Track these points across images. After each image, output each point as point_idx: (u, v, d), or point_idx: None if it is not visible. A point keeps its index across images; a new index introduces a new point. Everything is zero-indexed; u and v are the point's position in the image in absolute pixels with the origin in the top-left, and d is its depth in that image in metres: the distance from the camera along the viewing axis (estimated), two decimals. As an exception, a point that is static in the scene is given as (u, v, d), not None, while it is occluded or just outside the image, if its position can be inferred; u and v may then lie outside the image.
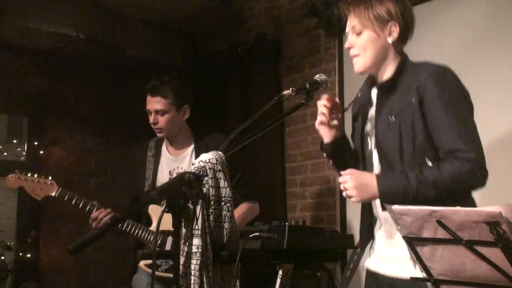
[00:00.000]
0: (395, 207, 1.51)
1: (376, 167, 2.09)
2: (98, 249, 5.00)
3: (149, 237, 2.99)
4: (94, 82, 5.35)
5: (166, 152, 3.20)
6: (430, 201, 1.81)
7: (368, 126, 2.15)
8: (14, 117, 5.16)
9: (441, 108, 1.95)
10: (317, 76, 2.13)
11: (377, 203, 2.08)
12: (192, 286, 1.65)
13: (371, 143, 2.12)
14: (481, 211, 1.37)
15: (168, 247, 2.92)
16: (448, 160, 1.92)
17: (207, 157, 1.76)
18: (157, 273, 2.91)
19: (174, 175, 3.10)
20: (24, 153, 5.05)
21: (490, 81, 3.32)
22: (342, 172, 2.00)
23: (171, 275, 1.69)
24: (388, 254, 2.05)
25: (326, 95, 2.13)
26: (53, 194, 3.02)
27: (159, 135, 3.16)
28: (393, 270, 2.01)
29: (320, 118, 2.11)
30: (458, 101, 2.00)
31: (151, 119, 3.10)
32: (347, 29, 2.14)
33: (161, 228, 2.91)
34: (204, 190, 1.71)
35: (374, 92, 2.18)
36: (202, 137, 3.18)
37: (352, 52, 2.11)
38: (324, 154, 2.21)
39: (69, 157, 5.19)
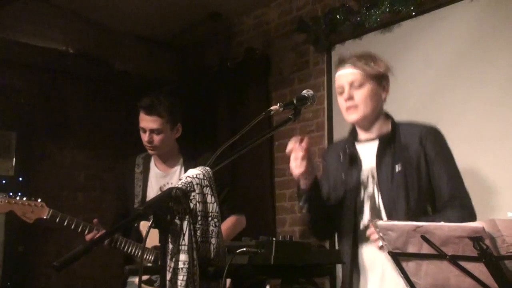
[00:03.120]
0: (380, 222, 1.53)
1: (367, 216, 2.19)
2: (86, 265, 4.96)
3: (139, 253, 2.97)
4: (83, 96, 5.35)
5: (155, 168, 3.19)
6: None
7: (363, 177, 2.24)
8: (3, 131, 5.13)
9: (442, 163, 2.17)
10: (304, 91, 2.15)
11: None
12: (179, 302, 1.64)
13: (364, 193, 2.22)
14: (464, 226, 1.39)
15: None
16: (449, 207, 2.12)
17: (194, 172, 1.76)
18: None
19: None
20: (12, 167, 5.01)
21: (477, 95, 3.36)
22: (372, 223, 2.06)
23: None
24: None
25: (294, 138, 2.18)
26: (44, 217, 2.99)
27: (151, 152, 3.14)
28: None
29: (300, 169, 2.14)
30: (453, 159, 2.24)
31: (146, 137, 3.07)
32: (342, 81, 2.26)
33: (151, 244, 2.89)
34: (191, 205, 1.71)
35: (359, 147, 2.30)
36: (193, 156, 3.16)
37: (351, 103, 2.22)
38: (301, 202, 2.26)
39: (58, 172, 5.16)
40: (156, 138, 3.07)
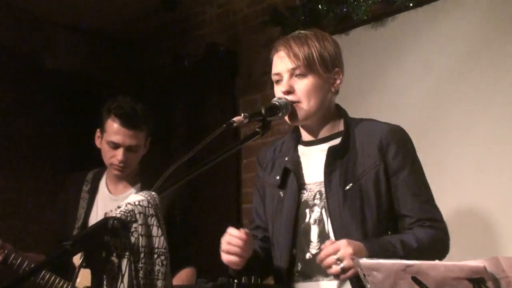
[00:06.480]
0: (363, 260, 1.54)
1: (315, 244, 2.10)
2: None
3: None
4: (3, 99, 5.27)
5: (104, 189, 3.13)
6: None
7: (306, 195, 2.17)
8: None
9: (407, 175, 2.11)
10: (275, 99, 2.12)
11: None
12: None
13: (310, 215, 2.14)
14: (463, 266, 1.41)
15: None
16: (420, 226, 2.08)
17: (137, 198, 1.76)
18: None
19: None
20: None
21: (484, 103, 3.41)
22: (326, 243, 1.95)
23: None
24: None
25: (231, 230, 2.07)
26: None
27: (117, 173, 3.04)
28: None
29: (233, 259, 2.05)
30: (420, 168, 2.17)
31: (120, 156, 2.94)
32: (279, 69, 2.18)
33: (83, 285, 2.87)
34: (132, 239, 1.70)
35: (303, 153, 2.23)
36: (153, 181, 3.12)
37: (292, 98, 2.13)
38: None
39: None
40: (132, 157, 2.98)
